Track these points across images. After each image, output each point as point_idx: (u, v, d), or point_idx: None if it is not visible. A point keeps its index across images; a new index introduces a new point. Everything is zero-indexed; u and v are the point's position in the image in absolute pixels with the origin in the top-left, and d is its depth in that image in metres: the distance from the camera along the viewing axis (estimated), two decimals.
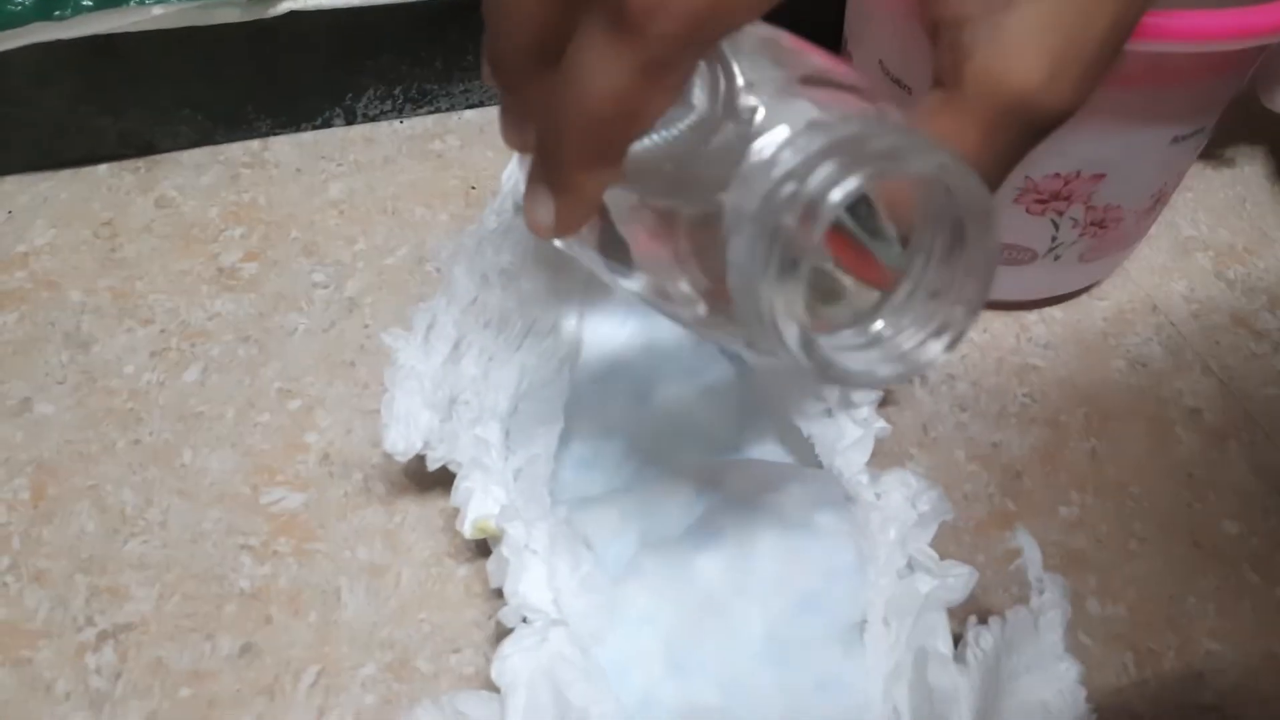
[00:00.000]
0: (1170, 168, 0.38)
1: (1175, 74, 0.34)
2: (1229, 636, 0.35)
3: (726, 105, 0.21)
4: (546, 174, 0.21)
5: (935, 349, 0.22)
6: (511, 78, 0.22)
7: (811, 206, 0.19)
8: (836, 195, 0.19)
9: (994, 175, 0.22)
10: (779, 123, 0.20)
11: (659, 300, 0.24)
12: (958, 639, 0.31)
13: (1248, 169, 0.51)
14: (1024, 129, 0.22)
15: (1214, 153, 0.51)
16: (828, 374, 0.20)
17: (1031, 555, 0.30)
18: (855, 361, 0.21)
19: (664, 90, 0.19)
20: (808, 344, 0.20)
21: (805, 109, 0.21)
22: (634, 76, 0.18)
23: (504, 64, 0.22)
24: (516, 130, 0.24)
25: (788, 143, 0.20)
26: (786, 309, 0.19)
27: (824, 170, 0.19)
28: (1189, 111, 0.35)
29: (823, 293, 0.22)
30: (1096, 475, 0.39)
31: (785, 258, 0.19)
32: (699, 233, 0.21)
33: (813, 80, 0.22)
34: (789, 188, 0.19)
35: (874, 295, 0.22)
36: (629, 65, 0.18)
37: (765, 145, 0.20)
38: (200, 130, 0.49)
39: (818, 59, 0.23)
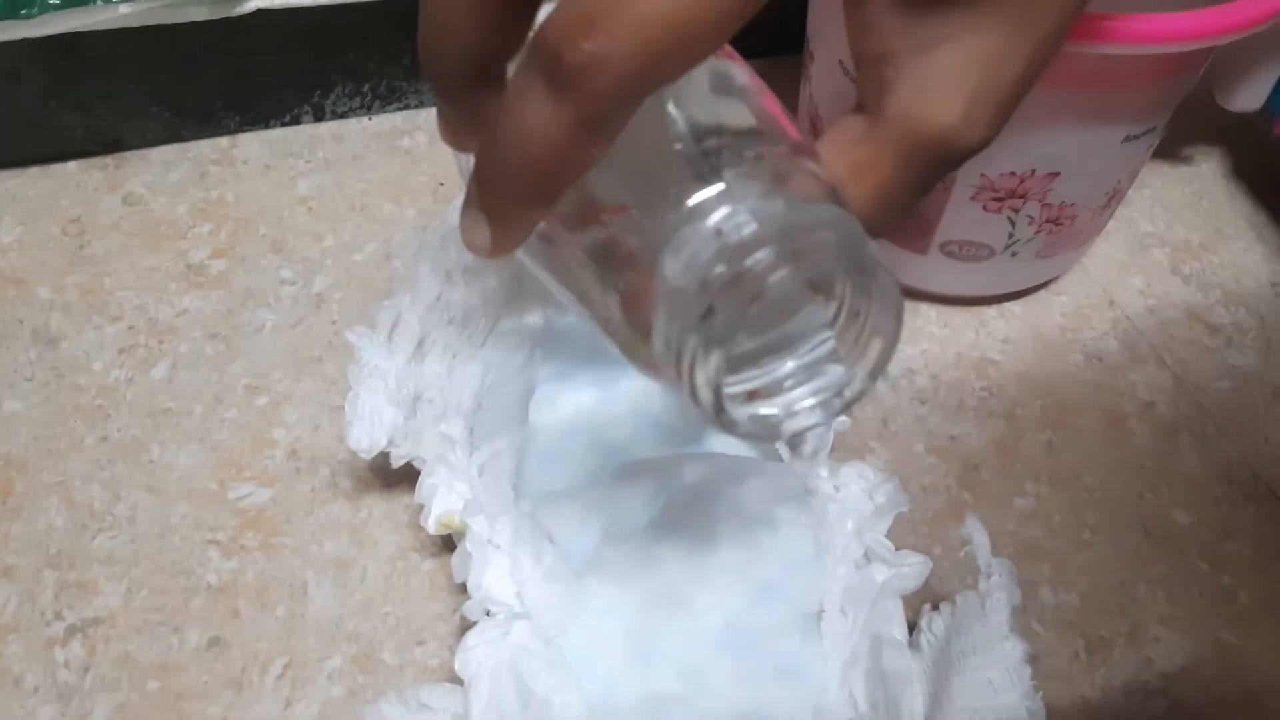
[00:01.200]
0: (1123, 166, 0.39)
1: (1125, 75, 0.34)
2: (1178, 623, 0.35)
3: (664, 148, 0.22)
4: (481, 203, 0.21)
5: (835, 405, 0.23)
6: (448, 91, 0.22)
7: (742, 293, 0.19)
8: (768, 285, 0.19)
9: (905, 202, 0.24)
10: (717, 179, 0.21)
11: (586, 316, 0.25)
12: (913, 626, 0.31)
13: (1204, 167, 0.52)
14: (937, 162, 0.23)
15: (1171, 151, 0.52)
16: (733, 430, 0.22)
17: (980, 541, 0.30)
18: (760, 410, 0.22)
19: (601, 141, 0.19)
20: (719, 405, 0.21)
21: (746, 164, 0.21)
22: (570, 129, 0.19)
23: (440, 79, 0.22)
24: (453, 134, 0.24)
25: (725, 219, 0.20)
26: (705, 376, 0.20)
27: (758, 258, 0.19)
28: (1140, 112, 0.36)
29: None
30: (1052, 467, 0.39)
31: (710, 334, 0.20)
32: (630, 269, 0.22)
33: (753, 117, 0.23)
34: (721, 270, 0.20)
35: (787, 336, 0.23)
36: (565, 119, 0.19)
37: (701, 205, 0.20)
38: (169, 127, 0.49)
39: (761, 101, 0.23)
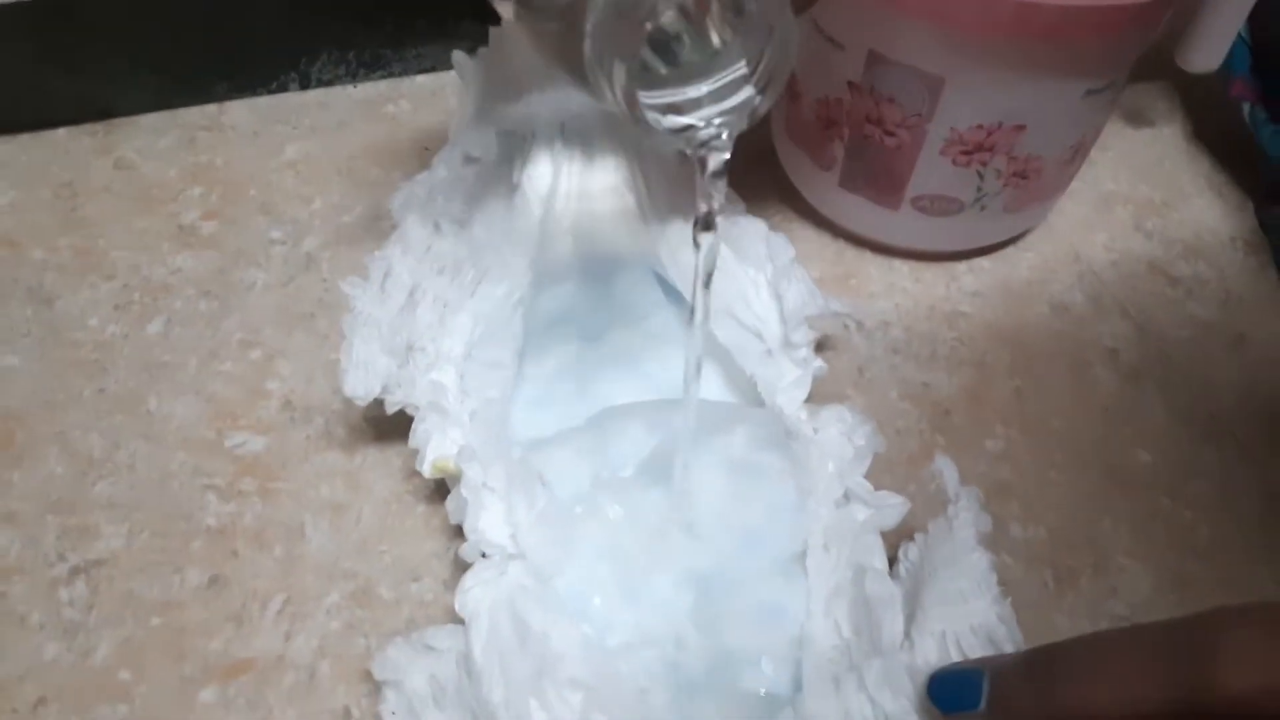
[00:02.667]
0: (1086, 120, 0.40)
1: (1086, 28, 0.36)
2: (1141, 554, 0.37)
3: None
4: None
5: (740, 120, 0.27)
6: None
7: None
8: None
9: None
10: None
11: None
12: (892, 562, 0.33)
13: (1166, 129, 0.53)
14: None
15: (1135, 114, 0.53)
16: (648, 130, 0.26)
17: (949, 474, 0.32)
18: (674, 118, 0.27)
19: None
20: (633, 103, 0.25)
21: None
22: None
23: None
24: None
25: None
26: (620, 77, 0.24)
27: None
28: (1100, 65, 0.38)
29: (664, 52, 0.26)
30: (1020, 411, 0.41)
31: (623, 41, 0.24)
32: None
33: None
34: None
35: (705, 56, 0.27)
36: None
37: None
38: (157, 94, 0.50)
39: None
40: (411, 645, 0.31)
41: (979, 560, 0.29)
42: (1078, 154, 0.42)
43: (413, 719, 0.30)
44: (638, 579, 0.34)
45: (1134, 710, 0.23)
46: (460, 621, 0.31)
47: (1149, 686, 0.23)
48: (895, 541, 0.33)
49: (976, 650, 0.28)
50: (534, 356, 0.39)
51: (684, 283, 0.39)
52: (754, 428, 0.36)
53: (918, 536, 0.32)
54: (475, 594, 0.32)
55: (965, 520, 0.30)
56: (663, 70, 0.26)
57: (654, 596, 0.34)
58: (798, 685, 0.31)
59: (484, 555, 0.33)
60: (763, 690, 0.32)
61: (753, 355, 0.39)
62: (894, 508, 0.34)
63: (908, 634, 0.30)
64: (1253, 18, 0.44)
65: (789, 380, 0.38)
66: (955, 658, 0.28)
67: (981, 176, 0.41)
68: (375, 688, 0.31)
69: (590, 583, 0.34)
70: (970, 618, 0.28)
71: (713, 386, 0.40)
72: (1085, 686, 0.24)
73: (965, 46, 0.36)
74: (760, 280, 0.39)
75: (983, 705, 0.26)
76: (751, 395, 0.38)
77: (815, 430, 0.36)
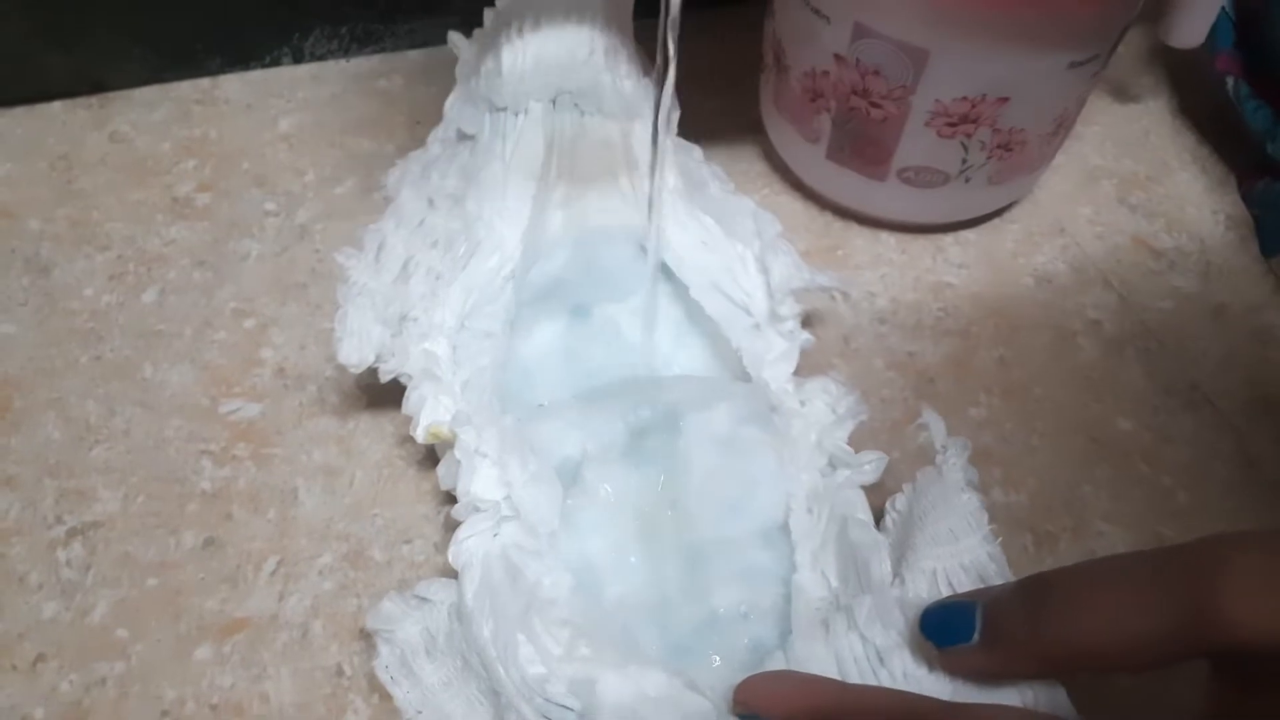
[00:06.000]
0: (1069, 92, 0.41)
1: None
2: (1120, 519, 0.38)
3: None
4: None
5: None
6: None
7: None
8: None
9: None
10: None
11: None
12: (880, 519, 0.33)
13: (1151, 104, 0.54)
14: None
15: (1121, 89, 0.54)
16: None
17: (935, 425, 0.32)
18: None
19: None
20: None
21: None
22: None
23: None
24: None
25: None
26: None
27: None
28: (1084, 37, 0.38)
29: None
30: (1003, 379, 0.41)
31: None
32: None
33: None
34: None
35: None
36: None
37: None
38: (151, 69, 0.50)
39: None
40: (404, 599, 0.32)
41: (969, 500, 0.30)
42: (1061, 127, 0.43)
43: (405, 671, 0.31)
44: (626, 551, 0.35)
45: (1131, 637, 0.23)
46: (453, 576, 0.32)
47: (1146, 614, 0.23)
48: (880, 502, 0.34)
49: (967, 587, 0.28)
50: (524, 330, 0.40)
51: (671, 258, 0.40)
52: (737, 403, 0.37)
53: (905, 486, 0.32)
54: (469, 545, 0.32)
55: (954, 465, 0.31)
56: None
57: (641, 571, 0.34)
58: (786, 636, 0.32)
59: (477, 510, 0.33)
60: (750, 642, 0.32)
61: (740, 329, 0.39)
62: (874, 463, 0.35)
63: (898, 574, 0.30)
64: None
65: (776, 353, 0.38)
66: (946, 594, 0.28)
67: (966, 148, 0.41)
68: (367, 646, 0.32)
69: (579, 558, 0.34)
70: (961, 556, 0.29)
71: (699, 360, 0.41)
72: (1081, 614, 0.24)
73: (950, 18, 0.37)
74: (747, 255, 0.40)
75: (976, 637, 0.26)
76: (738, 369, 0.39)
77: (801, 403, 0.37)
